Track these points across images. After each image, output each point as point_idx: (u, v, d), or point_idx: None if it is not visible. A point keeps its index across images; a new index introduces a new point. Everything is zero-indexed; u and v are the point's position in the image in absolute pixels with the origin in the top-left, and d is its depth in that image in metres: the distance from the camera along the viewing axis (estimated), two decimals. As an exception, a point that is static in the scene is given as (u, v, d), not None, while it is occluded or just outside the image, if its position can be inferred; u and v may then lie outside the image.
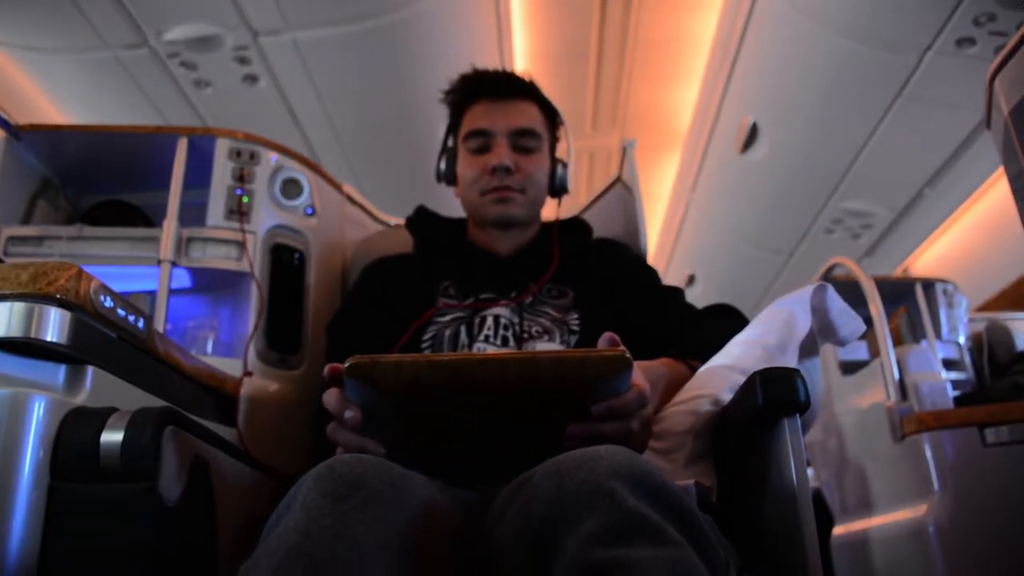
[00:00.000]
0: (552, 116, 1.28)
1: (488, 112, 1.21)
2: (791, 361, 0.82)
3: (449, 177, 1.27)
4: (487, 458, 0.75)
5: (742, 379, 0.79)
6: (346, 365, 0.62)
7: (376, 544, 0.54)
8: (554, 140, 1.29)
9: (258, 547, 0.55)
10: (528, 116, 1.22)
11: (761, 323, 0.87)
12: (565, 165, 1.28)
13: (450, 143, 1.28)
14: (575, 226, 1.28)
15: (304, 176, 1.41)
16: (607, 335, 0.74)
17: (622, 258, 1.26)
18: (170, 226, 1.26)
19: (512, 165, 1.17)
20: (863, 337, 2.04)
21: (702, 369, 0.90)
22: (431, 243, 1.25)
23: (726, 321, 1.07)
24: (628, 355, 0.64)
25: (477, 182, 1.20)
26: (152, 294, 1.25)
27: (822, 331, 0.85)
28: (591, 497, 0.55)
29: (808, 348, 0.84)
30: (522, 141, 1.20)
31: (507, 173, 1.17)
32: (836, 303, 0.84)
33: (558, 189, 1.27)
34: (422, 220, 1.29)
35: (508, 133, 1.19)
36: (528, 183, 1.20)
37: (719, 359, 0.89)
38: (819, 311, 0.84)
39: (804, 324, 0.83)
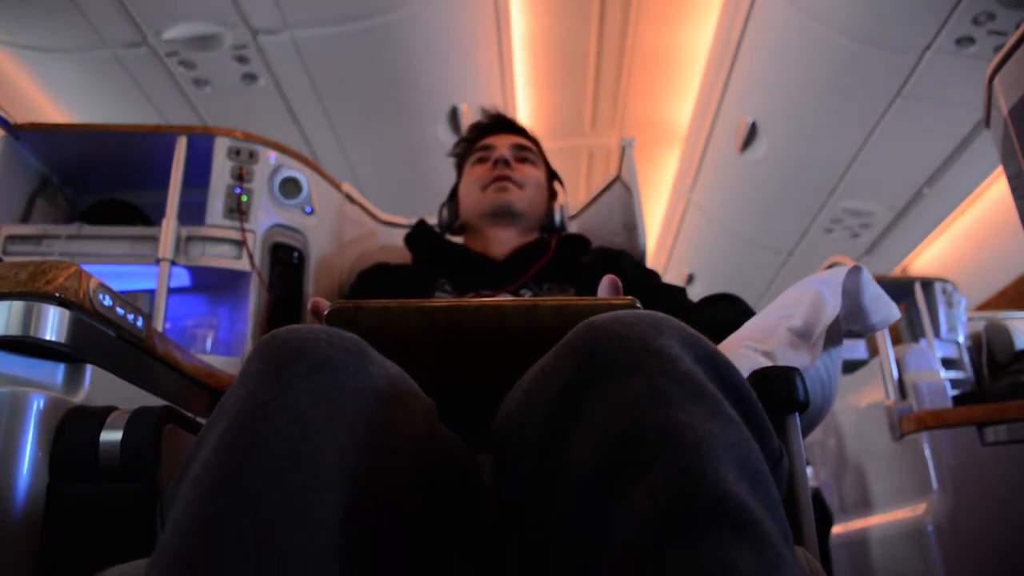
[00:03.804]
0: (552, 171, 1.40)
1: (491, 139, 1.35)
2: (816, 347, 0.76)
3: (451, 225, 1.36)
4: (479, 417, 0.68)
5: (765, 361, 0.75)
6: (326, 311, 0.56)
7: (326, 418, 0.45)
8: (550, 180, 1.39)
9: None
10: (526, 141, 1.36)
11: (786, 302, 0.81)
12: (562, 208, 1.37)
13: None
14: (574, 237, 1.31)
15: (303, 175, 1.40)
16: (608, 277, 0.67)
17: (623, 264, 1.27)
18: (169, 225, 1.26)
19: (512, 161, 1.29)
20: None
21: (721, 345, 0.83)
22: (429, 252, 1.28)
23: (732, 306, 1.06)
24: (637, 303, 0.58)
25: (479, 180, 1.29)
26: (151, 293, 1.25)
27: (851, 317, 0.79)
28: (635, 355, 0.44)
29: (833, 336, 0.79)
30: (521, 153, 1.32)
31: (507, 166, 1.28)
32: (870, 287, 0.78)
33: (557, 225, 1.35)
34: (421, 232, 1.32)
35: (508, 146, 1.32)
36: (526, 181, 1.29)
37: (741, 335, 0.82)
38: (850, 295, 0.77)
39: (833, 308, 0.76)
